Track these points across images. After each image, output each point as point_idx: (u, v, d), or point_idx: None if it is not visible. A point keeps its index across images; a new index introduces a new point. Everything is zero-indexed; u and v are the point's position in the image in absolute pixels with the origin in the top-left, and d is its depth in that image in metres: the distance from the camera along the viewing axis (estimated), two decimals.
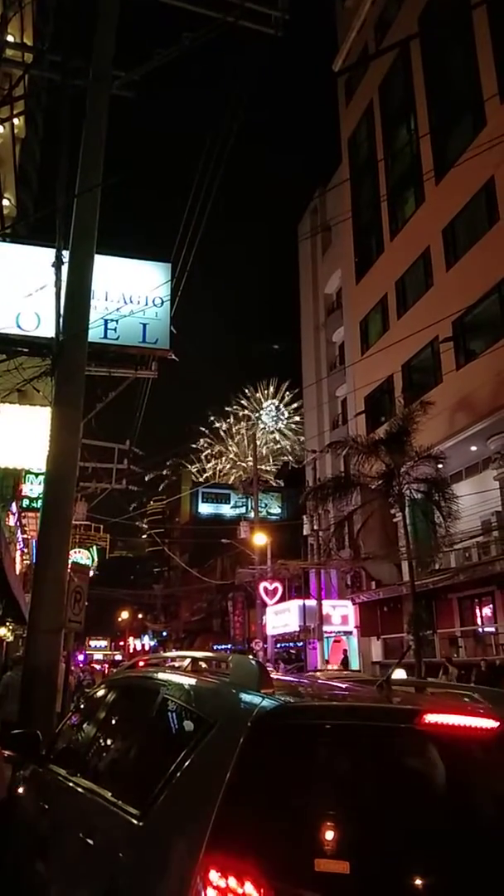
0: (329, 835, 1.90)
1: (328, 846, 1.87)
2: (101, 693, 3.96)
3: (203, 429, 64.80)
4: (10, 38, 13.40)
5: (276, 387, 64.72)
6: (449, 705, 2.54)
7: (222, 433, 64.89)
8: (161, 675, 3.13)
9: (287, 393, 64.15)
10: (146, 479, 59.04)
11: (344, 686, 3.24)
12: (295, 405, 62.28)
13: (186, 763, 2.22)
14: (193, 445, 63.18)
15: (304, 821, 1.94)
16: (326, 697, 2.79)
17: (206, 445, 64.53)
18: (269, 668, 2.71)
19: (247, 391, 64.86)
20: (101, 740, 3.53)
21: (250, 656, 3.40)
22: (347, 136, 31.46)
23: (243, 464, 62.11)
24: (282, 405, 64.58)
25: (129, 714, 3.35)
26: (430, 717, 2.13)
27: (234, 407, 65.01)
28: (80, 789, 3.14)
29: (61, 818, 3.27)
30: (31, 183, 28.09)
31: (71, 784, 3.29)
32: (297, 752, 2.09)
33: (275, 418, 64.29)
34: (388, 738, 2.18)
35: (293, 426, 62.69)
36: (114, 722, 3.52)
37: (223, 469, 64.81)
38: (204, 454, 65.08)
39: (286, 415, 64.18)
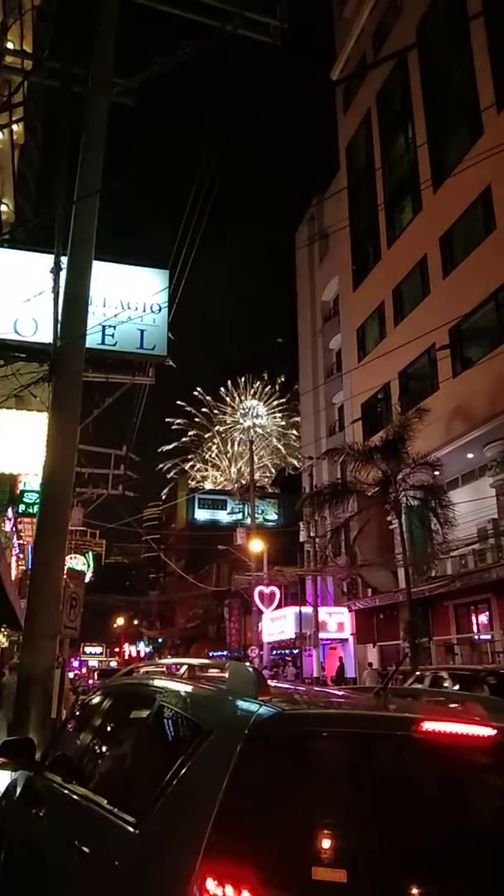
0: (326, 843, 1.89)
1: (325, 854, 1.86)
2: (97, 700, 3.94)
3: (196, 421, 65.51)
4: (9, 45, 13.45)
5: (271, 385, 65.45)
6: (446, 713, 2.54)
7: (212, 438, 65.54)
8: (158, 682, 3.12)
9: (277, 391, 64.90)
10: (163, 499, 59.43)
11: (341, 693, 3.23)
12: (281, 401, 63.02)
13: (183, 771, 2.21)
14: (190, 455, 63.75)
15: (302, 829, 1.92)
16: (324, 705, 2.77)
17: (198, 454, 65.16)
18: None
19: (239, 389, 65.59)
20: (97, 747, 3.51)
21: (247, 663, 3.40)
22: (345, 145, 31.61)
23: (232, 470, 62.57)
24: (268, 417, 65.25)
25: (125, 721, 3.33)
26: (428, 725, 2.11)
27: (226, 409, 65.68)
28: (75, 797, 3.12)
29: (56, 826, 3.24)
30: (30, 189, 28.17)
31: (66, 791, 3.26)
32: (295, 759, 2.07)
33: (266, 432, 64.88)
34: (385, 746, 2.17)
35: (289, 433, 63.13)
36: (110, 729, 3.50)
37: (214, 473, 65.25)
38: (196, 463, 65.58)
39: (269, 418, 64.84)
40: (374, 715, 2.45)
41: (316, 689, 4.50)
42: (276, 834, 1.90)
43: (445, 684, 11.71)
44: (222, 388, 70.59)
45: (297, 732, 2.14)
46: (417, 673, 13.21)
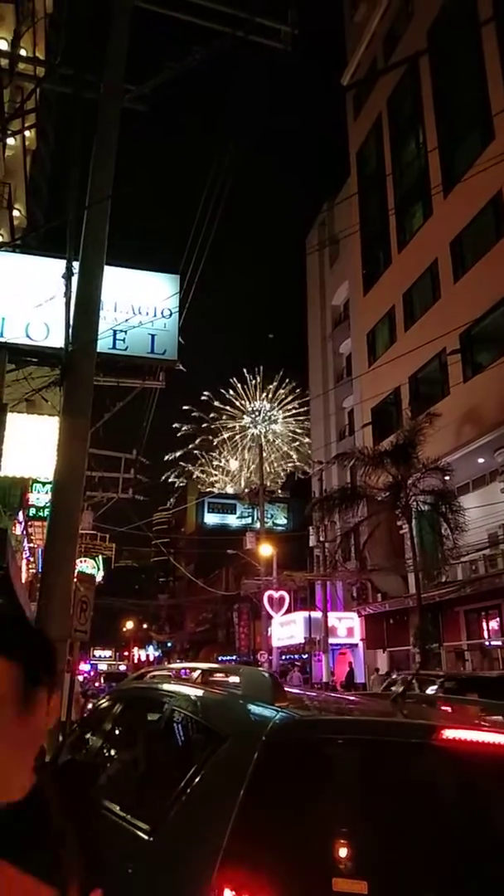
0: (346, 853, 1.84)
1: (345, 865, 1.82)
2: (108, 704, 3.92)
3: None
4: (22, 52, 13.54)
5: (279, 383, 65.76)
6: (465, 721, 2.50)
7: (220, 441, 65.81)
8: (170, 687, 3.09)
9: (285, 391, 65.18)
10: (171, 504, 60.09)
11: (357, 699, 3.19)
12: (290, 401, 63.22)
13: (198, 777, 2.17)
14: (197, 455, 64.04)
15: (321, 838, 1.87)
16: (342, 711, 2.73)
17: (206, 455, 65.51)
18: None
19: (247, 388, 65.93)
20: (109, 753, 3.47)
21: (261, 668, 3.37)
22: (356, 150, 31.63)
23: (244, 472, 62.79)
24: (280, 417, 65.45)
25: (137, 726, 3.29)
26: (448, 733, 2.07)
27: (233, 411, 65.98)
28: None
29: None
30: (42, 194, 28.33)
31: None
32: (314, 767, 2.02)
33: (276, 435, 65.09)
34: (406, 754, 2.11)
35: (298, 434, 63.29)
36: (122, 734, 3.47)
37: (225, 476, 65.44)
38: (204, 464, 65.88)
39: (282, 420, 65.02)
40: (395, 722, 2.41)
41: (331, 694, 4.43)
42: (295, 843, 1.85)
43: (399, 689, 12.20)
44: (231, 391, 70.84)
45: (315, 739, 2.09)
46: (394, 676, 13.69)
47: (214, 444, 67.27)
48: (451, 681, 11.30)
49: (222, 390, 70.01)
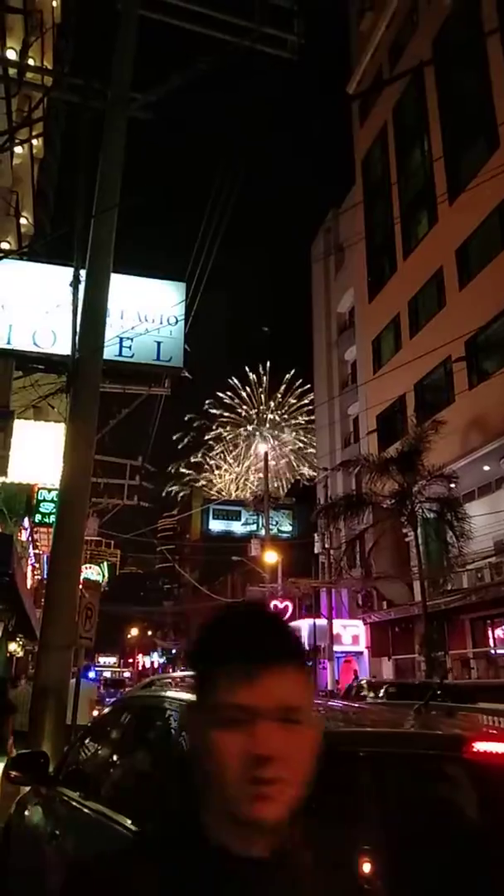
0: (376, 875, 1.71)
1: (376, 887, 1.70)
2: (115, 713, 3.86)
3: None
4: (30, 62, 13.65)
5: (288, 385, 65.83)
6: (497, 732, 2.38)
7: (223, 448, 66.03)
8: (180, 695, 2.98)
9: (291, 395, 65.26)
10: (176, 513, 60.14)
11: (380, 710, 3.09)
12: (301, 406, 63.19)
13: None
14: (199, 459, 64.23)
15: (349, 859, 1.74)
16: (367, 723, 2.60)
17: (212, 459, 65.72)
18: None
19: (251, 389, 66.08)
20: (116, 762, 3.38)
21: None
22: (361, 158, 31.73)
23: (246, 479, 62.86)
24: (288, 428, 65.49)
25: (145, 736, 3.18)
26: (480, 745, 1.93)
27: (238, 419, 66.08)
28: (92, 814, 2.96)
29: (72, 844, 3.09)
30: (49, 203, 28.46)
31: (83, 808, 3.12)
32: (339, 782, 1.82)
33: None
34: (439, 767, 1.96)
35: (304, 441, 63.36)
36: (129, 744, 3.36)
37: (229, 481, 65.55)
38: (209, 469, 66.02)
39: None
40: (423, 734, 2.29)
41: (350, 704, 4.25)
42: (321, 864, 1.69)
43: (363, 693, 13.91)
44: (235, 398, 71.06)
45: (341, 752, 1.90)
46: (361, 682, 14.50)
47: (219, 451, 67.48)
48: (393, 686, 12.56)
49: (224, 394, 70.25)
